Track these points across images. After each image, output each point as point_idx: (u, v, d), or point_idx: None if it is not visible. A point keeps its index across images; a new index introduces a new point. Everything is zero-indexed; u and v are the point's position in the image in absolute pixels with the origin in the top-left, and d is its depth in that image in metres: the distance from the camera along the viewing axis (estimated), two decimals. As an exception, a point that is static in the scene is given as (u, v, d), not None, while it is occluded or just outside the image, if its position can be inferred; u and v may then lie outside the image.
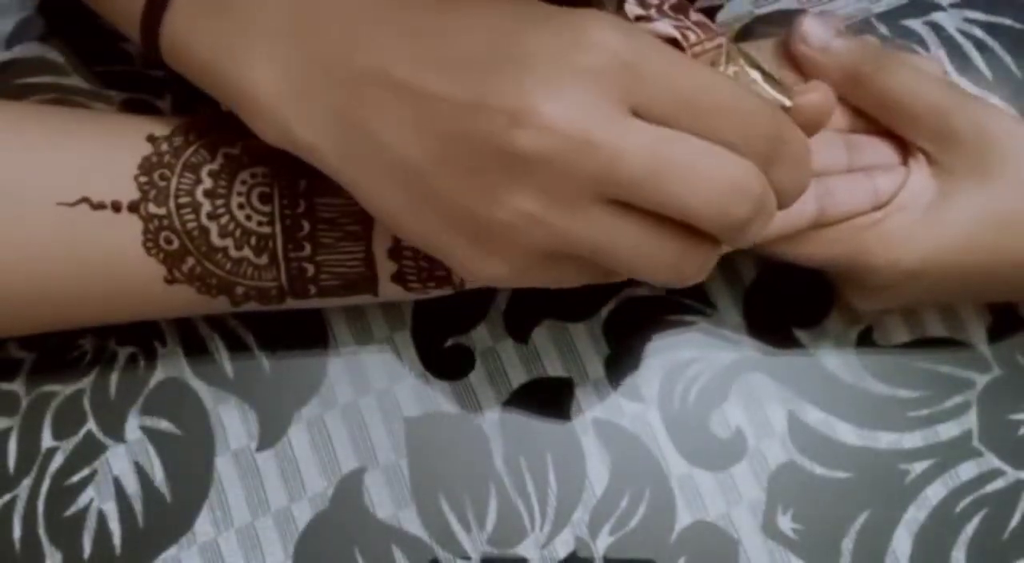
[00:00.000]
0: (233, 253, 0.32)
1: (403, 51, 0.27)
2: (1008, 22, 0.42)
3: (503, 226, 0.27)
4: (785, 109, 0.29)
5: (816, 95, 0.29)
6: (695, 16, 0.29)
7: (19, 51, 0.40)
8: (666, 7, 0.29)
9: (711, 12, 0.42)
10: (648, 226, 0.27)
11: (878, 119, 0.35)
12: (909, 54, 0.37)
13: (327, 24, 0.29)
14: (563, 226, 0.27)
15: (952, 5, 0.42)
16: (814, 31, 0.35)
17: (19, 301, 0.32)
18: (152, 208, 0.32)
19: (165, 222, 0.32)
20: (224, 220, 0.32)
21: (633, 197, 0.26)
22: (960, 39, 0.41)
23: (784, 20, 0.41)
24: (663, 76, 0.26)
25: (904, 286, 0.35)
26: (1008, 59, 0.41)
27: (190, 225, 0.32)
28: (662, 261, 0.28)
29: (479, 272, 0.29)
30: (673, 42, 0.29)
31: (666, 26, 0.28)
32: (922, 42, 0.41)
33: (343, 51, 0.28)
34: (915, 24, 0.42)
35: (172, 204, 0.32)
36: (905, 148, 0.35)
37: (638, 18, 0.28)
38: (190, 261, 0.32)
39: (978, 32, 0.42)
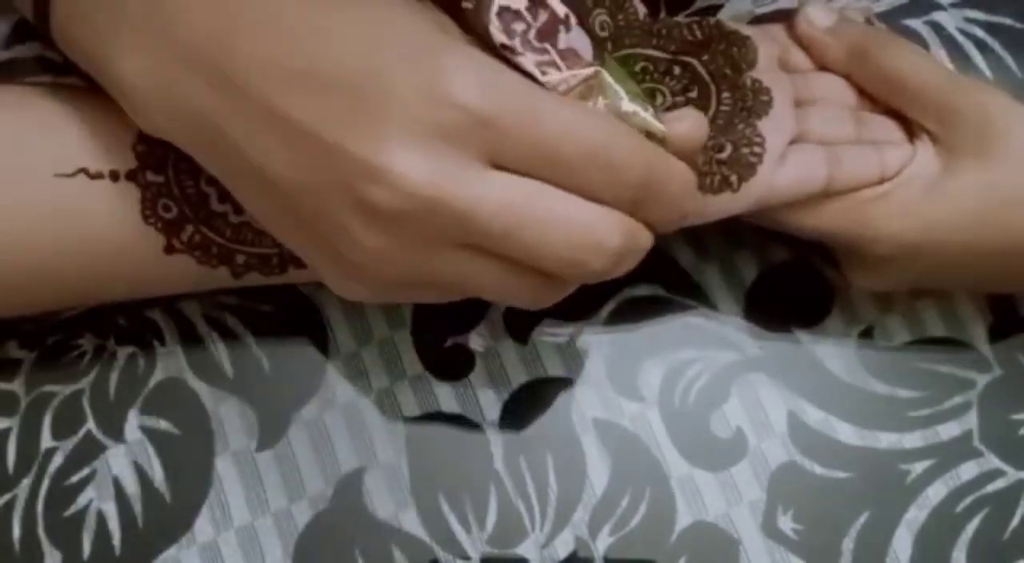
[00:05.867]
0: (232, 218, 0.32)
1: (270, 55, 0.27)
2: (1009, 22, 0.42)
3: (359, 262, 0.27)
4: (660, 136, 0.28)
5: (687, 123, 0.29)
6: (564, 42, 0.28)
7: (19, 51, 0.40)
8: (532, 34, 0.28)
9: (711, 11, 0.42)
10: (506, 266, 0.27)
11: (883, 99, 0.36)
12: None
13: (188, 14, 0.28)
14: (419, 267, 0.27)
15: (953, 5, 0.42)
16: (818, 14, 0.36)
17: (18, 276, 0.32)
18: (150, 176, 0.32)
19: (163, 189, 0.32)
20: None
21: (489, 246, 0.27)
22: (961, 39, 0.41)
23: (784, 20, 0.41)
24: (522, 129, 0.26)
25: (905, 262, 0.35)
26: (1009, 59, 0.41)
27: (189, 191, 0.32)
28: (520, 296, 0.28)
29: (340, 291, 0.29)
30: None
31: (529, 62, 0.28)
32: (923, 42, 0.41)
33: (207, 48, 0.27)
34: (915, 24, 0.41)
35: (171, 171, 0.32)
36: (911, 129, 0.36)
37: (503, 46, 0.28)
38: (189, 229, 0.32)
39: (979, 32, 0.42)
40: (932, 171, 0.34)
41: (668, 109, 0.34)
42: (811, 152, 0.34)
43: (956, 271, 0.36)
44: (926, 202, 0.34)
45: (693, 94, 0.34)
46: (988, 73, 0.41)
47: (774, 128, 0.34)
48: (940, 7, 0.42)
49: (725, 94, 0.34)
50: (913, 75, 0.35)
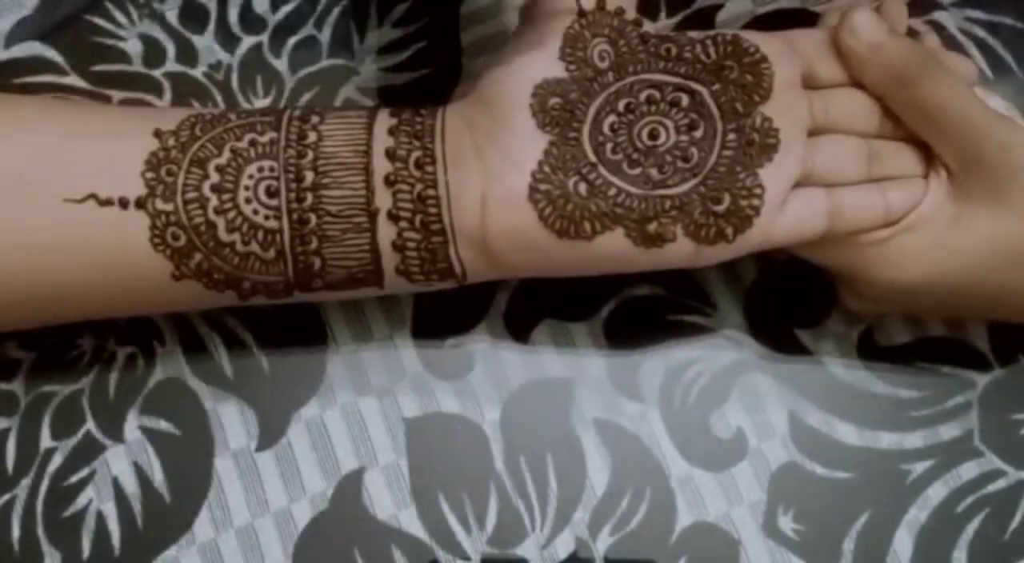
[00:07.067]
0: (240, 248, 0.32)
1: None
2: (1009, 21, 0.42)
3: None
4: None
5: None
6: None
7: (18, 50, 0.40)
8: None
9: (711, 12, 0.42)
10: None
11: (910, 126, 0.34)
12: (948, 55, 0.36)
13: None
14: None
15: (953, 4, 0.42)
16: (865, 25, 0.33)
17: (25, 297, 0.32)
18: (159, 204, 0.32)
19: (172, 218, 0.32)
20: (231, 215, 0.32)
21: None
22: (961, 38, 0.41)
23: (784, 20, 0.41)
24: None
25: (900, 301, 0.35)
26: (1009, 58, 0.41)
27: (197, 220, 0.32)
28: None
29: None
30: None
31: None
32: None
33: None
34: (916, 23, 0.41)
35: (179, 200, 0.32)
36: (930, 159, 0.34)
37: None
38: (197, 257, 0.32)
39: (979, 31, 0.42)
40: (941, 216, 0.33)
41: (670, 151, 0.32)
42: (812, 200, 0.33)
43: (954, 310, 0.36)
44: (928, 251, 0.33)
45: (698, 134, 0.32)
46: (989, 72, 0.41)
47: (777, 175, 0.32)
48: (940, 6, 0.42)
49: (731, 137, 0.32)
50: (945, 112, 0.33)
